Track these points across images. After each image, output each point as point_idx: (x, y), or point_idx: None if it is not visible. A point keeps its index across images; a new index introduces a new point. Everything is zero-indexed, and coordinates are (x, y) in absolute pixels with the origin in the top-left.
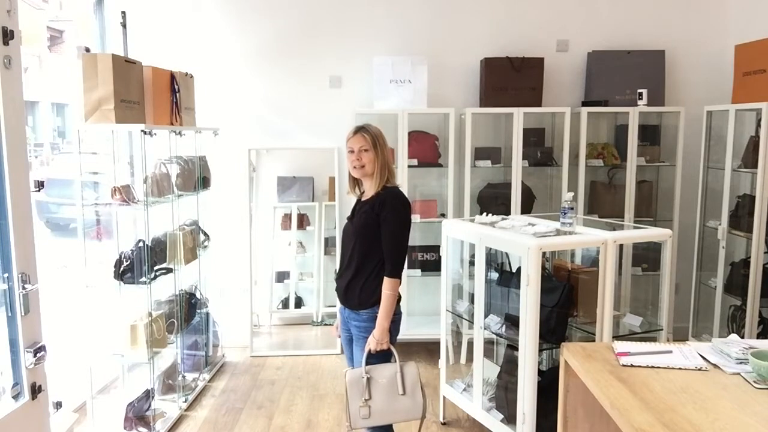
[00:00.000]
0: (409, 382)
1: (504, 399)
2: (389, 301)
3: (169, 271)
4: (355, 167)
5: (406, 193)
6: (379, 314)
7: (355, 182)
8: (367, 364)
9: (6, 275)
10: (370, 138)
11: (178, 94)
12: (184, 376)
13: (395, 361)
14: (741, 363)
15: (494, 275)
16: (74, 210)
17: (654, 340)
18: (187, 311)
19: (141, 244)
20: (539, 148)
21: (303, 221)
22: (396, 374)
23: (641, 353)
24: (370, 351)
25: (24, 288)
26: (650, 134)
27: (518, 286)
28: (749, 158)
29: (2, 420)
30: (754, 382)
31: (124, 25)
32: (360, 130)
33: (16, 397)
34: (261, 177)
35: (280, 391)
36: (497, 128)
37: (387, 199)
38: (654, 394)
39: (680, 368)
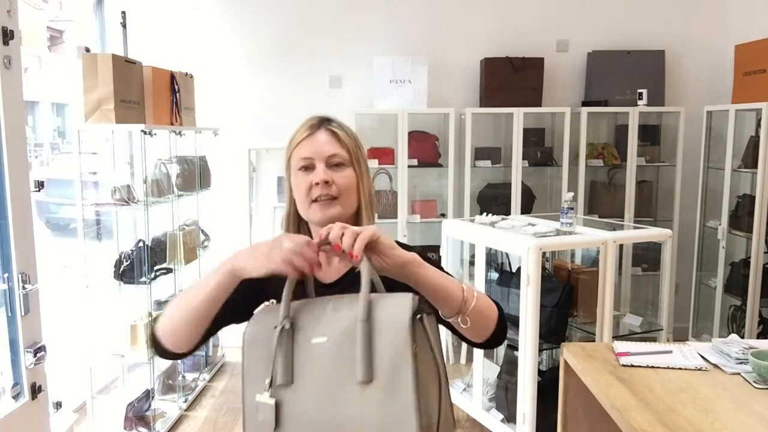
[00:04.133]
0: (387, 355)
1: (504, 399)
2: (465, 289)
3: (169, 271)
4: (317, 200)
5: (405, 197)
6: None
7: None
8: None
9: (6, 275)
10: (349, 141)
11: (178, 94)
12: (184, 376)
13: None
14: (741, 363)
15: (494, 275)
16: (74, 210)
17: (654, 340)
18: None
19: (141, 244)
20: (539, 148)
21: None
22: (357, 324)
23: (641, 353)
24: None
25: (24, 288)
26: (650, 134)
27: (518, 286)
28: (749, 158)
29: (2, 420)
30: (754, 382)
31: (124, 25)
32: (325, 123)
33: (16, 397)
34: (261, 177)
35: None
36: (497, 128)
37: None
38: (654, 394)
39: (680, 368)
